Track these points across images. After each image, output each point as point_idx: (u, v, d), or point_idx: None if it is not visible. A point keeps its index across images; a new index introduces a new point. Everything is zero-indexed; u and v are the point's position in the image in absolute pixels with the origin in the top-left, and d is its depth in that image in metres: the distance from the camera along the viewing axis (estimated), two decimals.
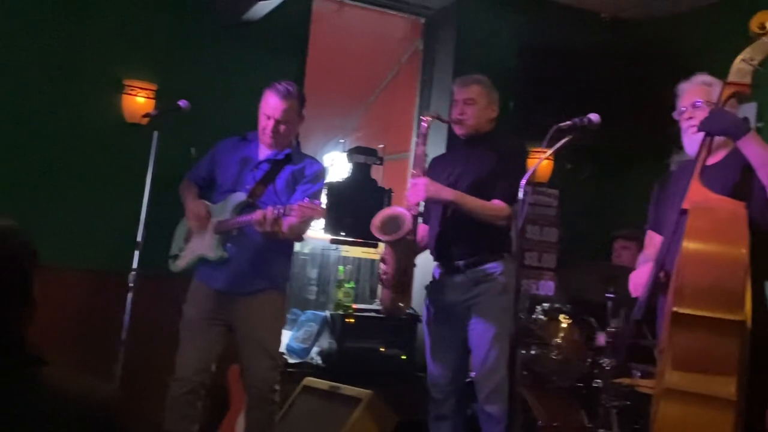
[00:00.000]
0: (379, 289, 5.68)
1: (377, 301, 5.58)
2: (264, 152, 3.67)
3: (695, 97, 2.90)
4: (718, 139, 2.80)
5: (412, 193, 3.50)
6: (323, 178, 3.71)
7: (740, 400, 2.36)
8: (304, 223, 3.41)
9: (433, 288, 3.73)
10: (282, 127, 3.59)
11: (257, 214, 3.33)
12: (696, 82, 2.96)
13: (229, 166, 3.67)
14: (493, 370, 3.48)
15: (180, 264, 3.65)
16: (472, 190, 3.52)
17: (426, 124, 3.67)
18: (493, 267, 3.55)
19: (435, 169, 3.73)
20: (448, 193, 3.50)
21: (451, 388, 3.65)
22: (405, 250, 3.48)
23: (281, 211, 3.28)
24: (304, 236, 3.80)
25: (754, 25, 2.73)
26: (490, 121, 3.70)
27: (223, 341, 3.62)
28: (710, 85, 2.90)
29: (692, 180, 2.71)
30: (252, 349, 3.56)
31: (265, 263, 3.58)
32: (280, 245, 3.57)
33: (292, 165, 3.63)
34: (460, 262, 3.58)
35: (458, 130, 3.70)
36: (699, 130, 2.76)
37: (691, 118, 2.89)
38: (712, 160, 2.80)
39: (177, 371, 3.54)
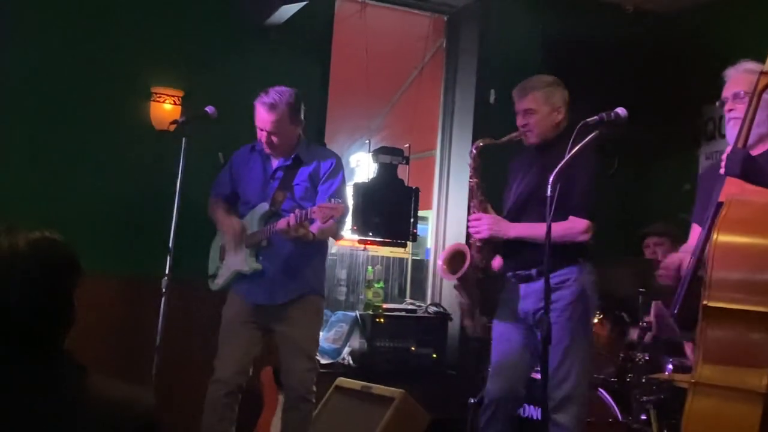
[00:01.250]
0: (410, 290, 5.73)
1: (407, 300, 5.60)
2: (275, 160, 3.70)
3: (738, 86, 2.82)
4: (758, 130, 2.74)
5: (475, 230, 3.42)
6: (340, 170, 3.69)
7: None
8: (332, 223, 3.40)
9: (505, 298, 3.53)
10: (275, 138, 3.59)
11: (281, 223, 3.37)
12: (740, 69, 2.87)
13: (248, 179, 3.72)
14: (564, 379, 3.29)
15: (219, 282, 3.73)
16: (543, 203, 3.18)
17: (475, 153, 3.51)
18: (567, 273, 3.31)
19: (511, 176, 3.59)
20: (513, 231, 3.38)
21: (506, 400, 3.46)
22: (474, 281, 3.47)
23: (302, 216, 3.30)
24: (341, 234, 3.80)
25: None
26: (555, 125, 3.45)
27: (261, 344, 3.69)
28: (755, 72, 2.73)
29: None
30: (290, 351, 3.61)
31: (298, 270, 3.61)
32: (311, 250, 3.60)
33: (305, 166, 3.65)
34: (533, 271, 3.37)
35: (526, 140, 3.49)
36: (725, 173, 2.64)
37: (732, 110, 2.83)
38: (754, 152, 2.73)
39: (216, 373, 3.59)
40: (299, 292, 3.62)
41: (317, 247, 3.68)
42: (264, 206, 3.61)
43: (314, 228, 3.42)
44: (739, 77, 2.85)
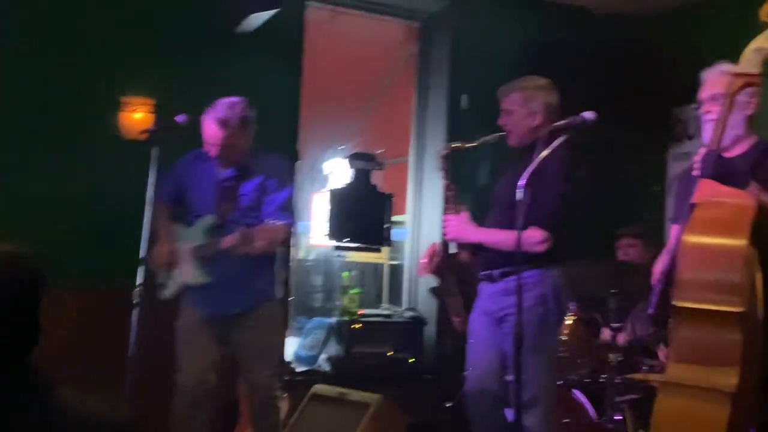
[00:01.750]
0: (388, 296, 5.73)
1: (383, 305, 5.61)
2: (221, 171, 3.65)
3: (714, 88, 2.84)
4: (733, 132, 2.78)
5: (444, 231, 3.48)
6: (287, 182, 3.65)
7: (744, 391, 2.37)
8: (274, 242, 3.38)
9: (477, 298, 3.55)
10: (227, 150, 3.54)
11: (226, 241, 3.36)
12: (717, 71, 2.90)
13: (194, 188, 3.68)
14: (528, 382, 3.19)
15: (167, 293, 3.67)
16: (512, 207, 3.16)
17: (444, 157, 3.54)
18: (529, 276, 3.23)
19: (499, 177, 3.63)
20: (474, 236, 3.43)
21: (478, 396, 3.47)
22: (457, 279, 3.51)
23: (245, 236, 3.28)
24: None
25: (764, 14, 2.66)
26: (531, 130, 3.39)
27: (220, 350, 3.64)
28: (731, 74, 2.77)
29: None
30: (250, 359, 3.59)
31: (249, 280, 3.58)
32: (260, 259, 3.55)
33: (254, 177, 3.61)
34: (495, 272, 3.40)
35: (508, 141, 3.48)
36: (699, 175, 2.66)
37: (708, 112, 2.85)
38: (729, 154, 2.77)
39: (179, 387, 3.57)
40: (252, 302, 3.59)
41: (267, 258, 3.63)
42: (210, 218, 3.58)
43: (257, 245, 3.35)
44: (715, 79, 2.88)
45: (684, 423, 2.38)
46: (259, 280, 3.63)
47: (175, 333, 3.66)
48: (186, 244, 3.63)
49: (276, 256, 3.74)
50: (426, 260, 3.58)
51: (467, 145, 3.53)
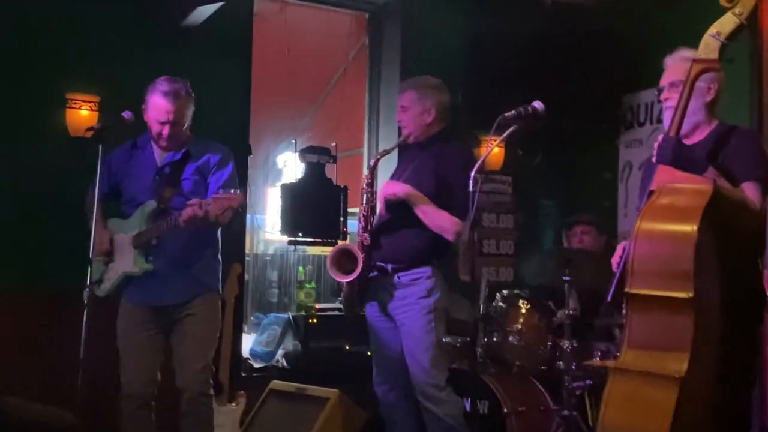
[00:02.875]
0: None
1: (340, 299, 5.59)
2: (161, 156, 3.60)
3: (674, 75, 2.84)
4: (693, 119, 2.79)
5: (390, 191, 3.50)
6: (230, 160, 3.62)
7: (696, 377, 2.38)
8: (230, 214, 3.34)
9: (371, 291, 3.66)
10: (174, 129, 3.50)
11: (185, 214, 3.28)
12: (677, 57, 2.89)
13: (132, 176, 3.60)
14: (420, 371, 3.47)
15: (105, 287, 3.56)
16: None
17: (373, 165, 3.69)
18: (420, 272, 3.49)
19: (394, 174, 3.73)
20: (400, 189, 3.49)
21: (394, 387, 3.65)
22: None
23: (200, 206, 3.23)
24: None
25: None
26: (426, 126, 3.59)
27: (164, 348, 3.59)
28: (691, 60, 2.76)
29: None
30: (185, 351, 3.52)
31: (191, 267, 3.54)
32: (202, 245, 3.55)
33: (194, 162, 3.57)
34: (389, 266, 3.54)
35: (403, 134, 3.67)
36: (656, 161, 2.70)
37: (668, 98, 2.85)
38: (690, 140, 2.78)
39: (124, 389, 3.51)
40: (194, 291, 3.54)
41: (208, 242, 3.61)
42: (152, 204, 3.51)
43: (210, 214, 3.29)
44: (676, 66, 2.87)
45: (632, 408, 2.39)
46: (201, 269, 3.58)
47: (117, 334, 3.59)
48: (125, 235, 3.56)
49: (218, 243, 3.70)
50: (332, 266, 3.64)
51: (389, 150, 3.75)
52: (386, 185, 3.55)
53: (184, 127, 3.57)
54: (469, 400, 4.03)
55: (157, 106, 3.48)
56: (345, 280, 3.55)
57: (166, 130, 3.50)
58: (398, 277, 3.52)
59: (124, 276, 3.54)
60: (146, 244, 3.50)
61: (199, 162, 3.57)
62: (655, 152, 2.69)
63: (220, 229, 3.68)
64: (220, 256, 3.72)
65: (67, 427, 1.51)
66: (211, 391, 3.61)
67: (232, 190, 3.24)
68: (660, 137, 2.70)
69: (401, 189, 3.48)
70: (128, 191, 3.61)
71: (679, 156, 2.63)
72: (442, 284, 3.53)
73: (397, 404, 3.65)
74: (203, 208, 3.24)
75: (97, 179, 3.35)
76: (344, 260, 3.57)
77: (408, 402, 3.61)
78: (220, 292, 3.73)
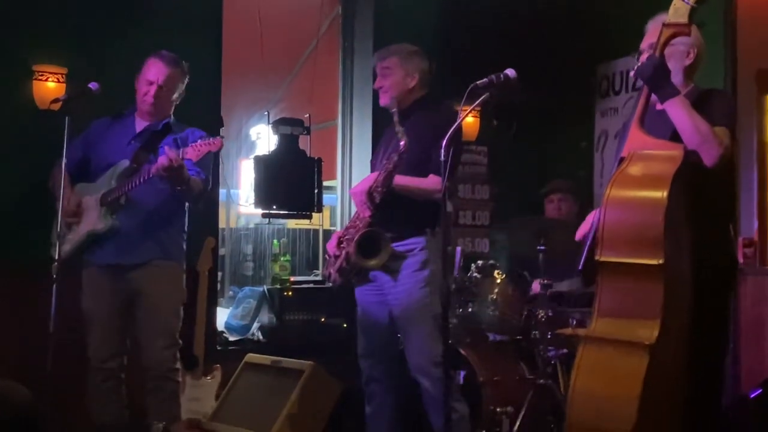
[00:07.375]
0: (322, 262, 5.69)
1: (315, 272, 5.57)
2: (141, 124, 3.62)
3: (652, 38, 2.83)
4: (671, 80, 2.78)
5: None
6: (205, 135, 3.57)
7: (667, 344, 2.39)
8: (206, 157, 3.39)
9: None
10: (164, 94, 3.55)
11: (162, 159, 3.25)
12: (658, 21, 2.87)
13: (109, 141, 3.60)
14: (415, 345, 3.41)
15: (67, 248, 3.49)
16: (406, 168, 3.34)
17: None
18: (415, 242, 3.41)
19: (377, 151, 3.68)
20: (370, 179, 3.38)
21: (379, 362, 3.60)
22: None
23: (178, 153, 3.23)
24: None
25: None
26: (409, 91, 3.54)
27: (129, 319, 3.58)
28: None
29: (631, 127, 2.71)
30: (147, 327, 3.52)
31: (155, 229, 3.53)
32: (169, 210, 3.55)
33: (174, 134, 3.58)
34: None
35: (381, 102, 3.58)
36: (634, 75, 2.78)
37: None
38: (661, 106, 2.77)
39: (91, 361, 3.51)
40: (156, 253, 3.52)
41: (175, 209, 3.61)
42: (125, 162, 3.50)
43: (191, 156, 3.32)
44: (655, 29, 2.86)
45: (603, 376, 2.40)
46: (166, 233, 3.57)
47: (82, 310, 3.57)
48: (92, 197, 3.53)
49: (184, 213, 3.68)
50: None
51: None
52: (355, 189, 3.44)
53: (170, 99, 3.61)
54: None
55: (151, 67, 3.56)
56: (372, 264, 3.36)
57: (152, 90, 3.52)
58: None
59: (87, 236, 3.50)
60: (114, 201, 3.47)
61: (178, 135, 3.58)
62: (636, 67, 2.73)
63: (187, 206, 3.66)
64: (186, 233, 3.70)
65: (22, 402, 1.48)
66: (177, 366, 3.60)
67: (212, 138, 3.27)
68: (643, 57, 2.75)
69: (365, 188, 3.37)
70: (102, 155, 3.59)
71: (658, 74, 2.66)
72: (437, 256, 3.37)
73: (380, 378, 3.61)
74: (181, 155, 3.24)
75: (64, 151, 3.30)
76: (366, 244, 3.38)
77: (391, 377, 3.59)
78: (184, 267, 3.70)
